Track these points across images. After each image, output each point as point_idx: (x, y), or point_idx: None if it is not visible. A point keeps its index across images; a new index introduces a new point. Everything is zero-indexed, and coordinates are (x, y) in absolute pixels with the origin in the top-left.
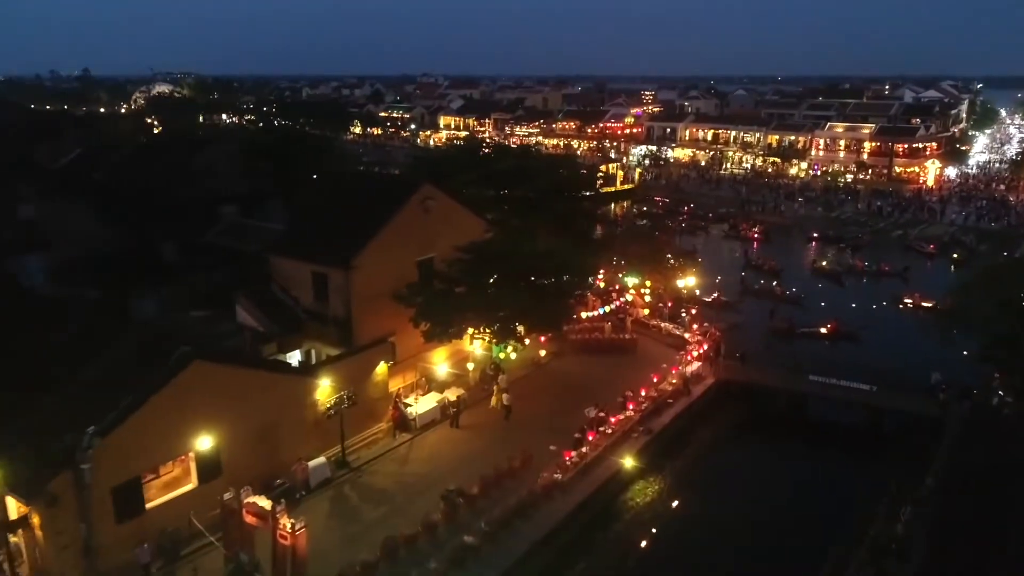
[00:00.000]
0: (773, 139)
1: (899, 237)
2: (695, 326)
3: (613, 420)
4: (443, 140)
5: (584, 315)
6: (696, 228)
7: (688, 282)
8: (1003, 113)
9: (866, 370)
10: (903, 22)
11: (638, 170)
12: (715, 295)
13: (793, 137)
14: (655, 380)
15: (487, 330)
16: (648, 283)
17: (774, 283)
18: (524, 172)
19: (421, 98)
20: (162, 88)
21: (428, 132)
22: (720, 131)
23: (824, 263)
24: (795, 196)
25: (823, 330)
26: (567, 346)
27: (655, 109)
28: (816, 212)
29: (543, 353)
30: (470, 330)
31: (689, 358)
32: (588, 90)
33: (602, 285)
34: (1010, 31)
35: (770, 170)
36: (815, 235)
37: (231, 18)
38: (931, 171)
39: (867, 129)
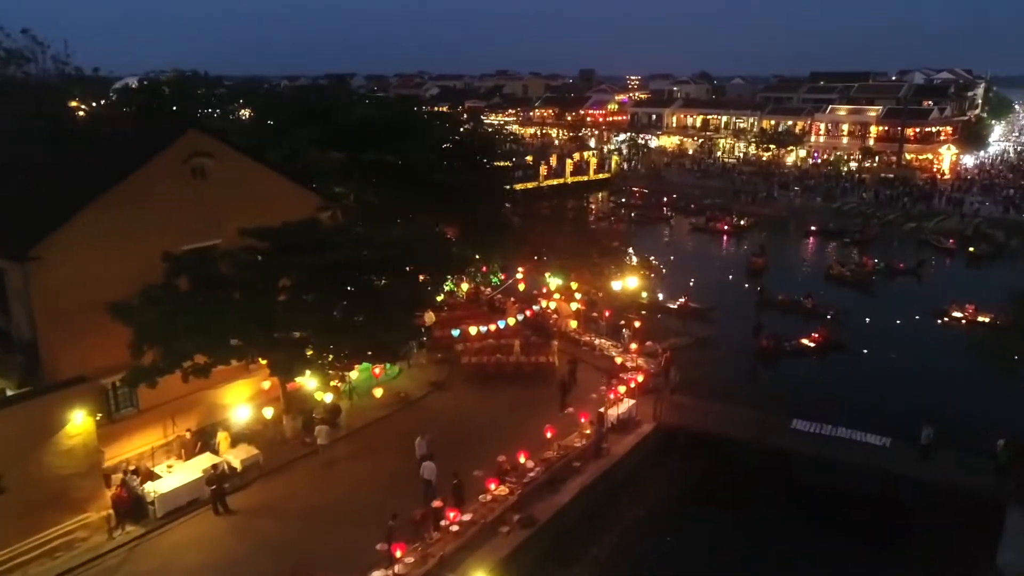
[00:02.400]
0: (768, 124)
1: (912, 230)
2: (635, 345)
3: (451, 515)
4: None
5: (474, 330)
6: (656, 219)
7: (629, 284)
8: (1016, 106)
9: (882, 413)
10: (904, 22)
11: (615, 158)
12: (682, 300)
13: (791, 122)
14: (550, 436)
15: (264, 362)
16: (575, 286)
17: (807, 296)
18: (391, 128)
19: (397, 88)
20: (132, 81)
21: None
22: (711, 117)
23: (842, 267)
24: (790, 185)
25: (809, 342)
26: (458, 372)
27: (642, 96)
28: (815, 202)
29: (376, 394)
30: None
31: (612, 396)
32: (575, 81)
33: (521, 288)
34: (1014, 30)
35: (765, 158)
36: (813, 228)
37: (244, 21)
38: (946, 158)
39: (874, 112)
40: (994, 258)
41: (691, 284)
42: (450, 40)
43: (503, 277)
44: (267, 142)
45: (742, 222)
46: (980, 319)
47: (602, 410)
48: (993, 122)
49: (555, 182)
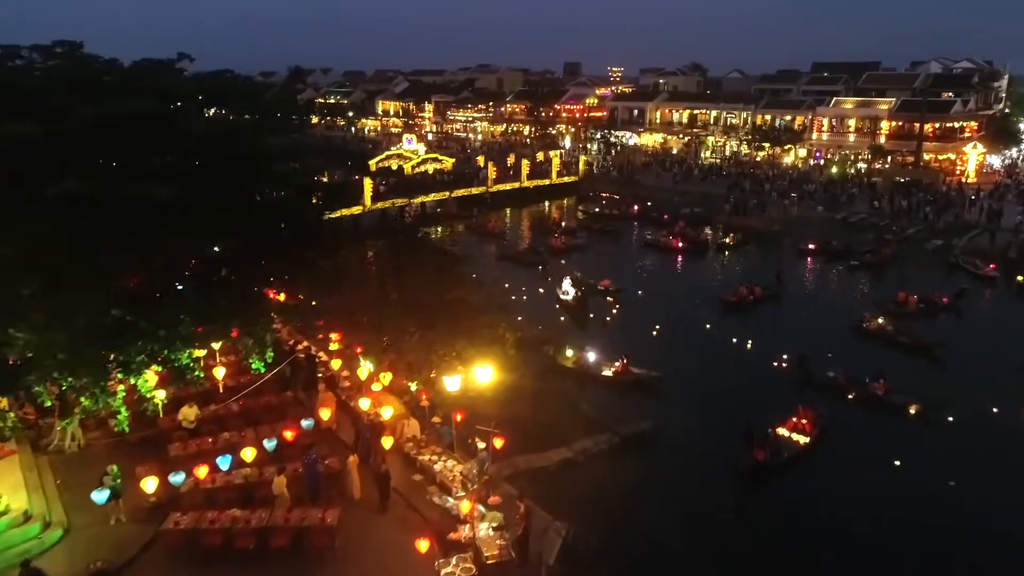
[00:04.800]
0: (764, 119)
1: (938, 249)
2: (465, 491)
3: None
4: (379, 128)
5: (152, 484)
6: (604, 231)
7: (480, 377)
8: None
9: None
10: (906, 18)
11: (583, 158)
12: (620, 362)
13: (789, 117)
14: None
15: None
16: (386, 379)
17: (880, 379)
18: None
19: (368, 83)
20: None
21: (371, 119)
22: (699, 111)
23: (880, 320)
24: (786, 191)
25: (791, 433)
26: (163, 544)
27: (626, 89)
28: (815, 212)
29: None
30: None
31: None
32: (560, 75)
33: (337, 365)
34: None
35: (759, 157)
36: (810, 247)
37: (250, 18)
38: (972, 157)
39: (885, 105)
40: None
41: (642, 335)
42: (444, 38)
43: (330, 340)
44: None
45: (727, 239)
46: None
47: None
48: (1020, 119)
49: (508, 187)
